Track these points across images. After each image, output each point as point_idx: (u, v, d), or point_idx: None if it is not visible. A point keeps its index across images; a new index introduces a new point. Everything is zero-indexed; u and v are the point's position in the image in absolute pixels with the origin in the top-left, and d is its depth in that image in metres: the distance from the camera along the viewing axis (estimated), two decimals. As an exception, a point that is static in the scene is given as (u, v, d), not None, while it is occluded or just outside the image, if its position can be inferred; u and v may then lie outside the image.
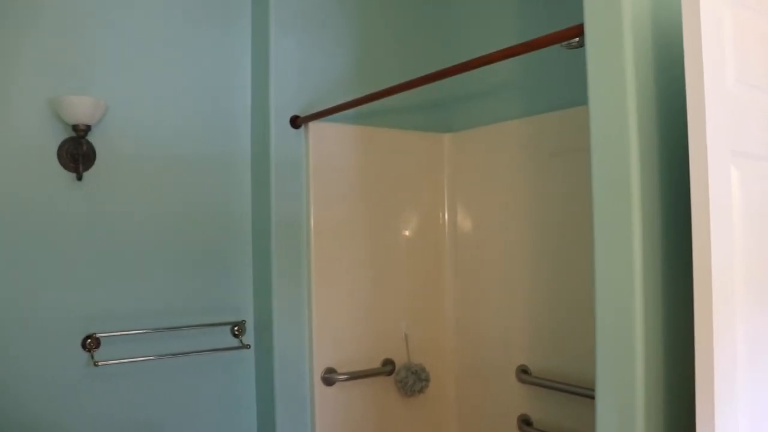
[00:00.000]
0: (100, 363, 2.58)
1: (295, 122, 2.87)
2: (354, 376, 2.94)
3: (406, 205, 3.19)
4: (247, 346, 2.93)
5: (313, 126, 2.90)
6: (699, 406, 1.34)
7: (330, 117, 2.91)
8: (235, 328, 2.95)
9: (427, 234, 3.26)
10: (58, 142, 2.58)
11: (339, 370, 2.94)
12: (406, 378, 3.05)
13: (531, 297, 2.86)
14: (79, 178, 2.60)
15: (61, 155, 2.58)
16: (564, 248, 2.72)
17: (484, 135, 3.12)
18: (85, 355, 2.61)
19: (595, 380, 1.68)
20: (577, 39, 1.75)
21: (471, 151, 3.20)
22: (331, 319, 2.93)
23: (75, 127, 2.54)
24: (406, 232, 3.18)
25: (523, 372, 2.88)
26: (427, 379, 3.10)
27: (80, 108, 2.50)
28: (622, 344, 1.61)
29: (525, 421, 2.88)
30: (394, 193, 3.15)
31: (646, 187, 1.61)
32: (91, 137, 2.64)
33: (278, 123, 2.85)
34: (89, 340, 2.61)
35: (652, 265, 1.61)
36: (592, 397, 1.70)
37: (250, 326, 2.99)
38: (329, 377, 2.90)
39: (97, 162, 2.66)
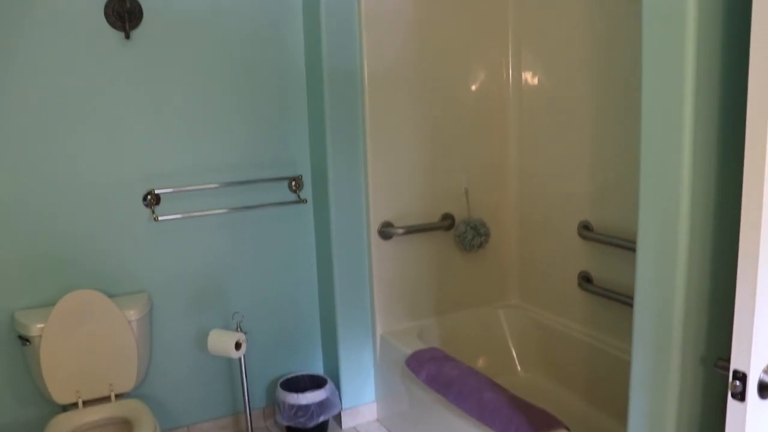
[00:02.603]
0: (160, 218, 2.68)
1: (345, -32, 2.72)
2: (411, 230, 2.95)
3: (467, 57, 3.01)
4: (304, 201, 2.96)
5: (364, -29, 2.73)
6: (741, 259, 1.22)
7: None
8: (293, 183, 2.97)
9: (490, 87, 3.09)
10: (104, 1, 2.54)
11: (396, 224, 2.94)
12: (465, 233, 3.02)
13: (596, 152, 2.71)
14: (127, 36, 2.58)
15: (108, 14, 2.55)
16: (631, 102, 2.52)
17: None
18: (147, 211, 2.71)
19: (638, 226, 1.58)
20: None
21: (538, -7, 2.95)
22: (388, 173, 2.90)
23: (117, -16, 2.50)
24: (467, 85, 3.03)
25: (584, 228, 2.79)
26: (486, 234, 3.06)
27: (119, -38, 2.44)
28: (667, 197, 1.49)
29: (585, 278, 2.83)
30: (454, 43, 2.97)
31: (702, 32, 1.42)
32: (136, -6, 2.59)
33: (327, -31, 2.70)
34: (149, 197, 2.70)
35: (704, 115, 1.44)
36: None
37: (307, 181, 3.00)
38: (386, 231, 2.91)
39: (144, 20, 2.62)
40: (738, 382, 1.22)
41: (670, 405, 1.52)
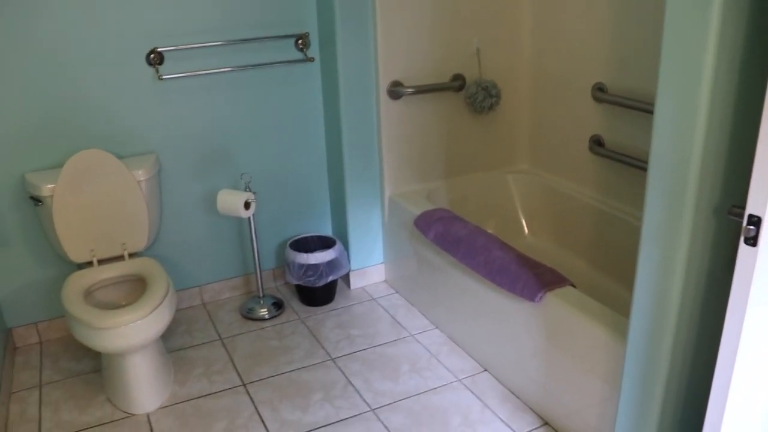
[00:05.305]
0: (165, 77, 2.62)
1: None
2: (421, 90, 2.88)
3: None
4: (312, 59, 2.88)
5: None
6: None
7: None
8: (299, 41, 2.87)
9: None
10: None
11: (406, 84, 2.87)
12: (476, 94, 2.96)
13: (612, 11, 2.59)
14: None
15: None
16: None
17: None
18: (150, 69, 2.64)
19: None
20: None
21: None
22: (398, 31, 2.80)
23: None
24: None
25: (599, 90, 2.71)
26: (497, 96, 3.00)
27: None
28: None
29: (597, 142, 2.78)
30: None
31: None
32: None
33: None
34: (152, 55, 2.62)
35: None
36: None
37: (314, 39, 2.91)
38: (395, 90, 2.84)
39: None
40: (752, 227, 1.21)
41: (680, 256, 1.52)
